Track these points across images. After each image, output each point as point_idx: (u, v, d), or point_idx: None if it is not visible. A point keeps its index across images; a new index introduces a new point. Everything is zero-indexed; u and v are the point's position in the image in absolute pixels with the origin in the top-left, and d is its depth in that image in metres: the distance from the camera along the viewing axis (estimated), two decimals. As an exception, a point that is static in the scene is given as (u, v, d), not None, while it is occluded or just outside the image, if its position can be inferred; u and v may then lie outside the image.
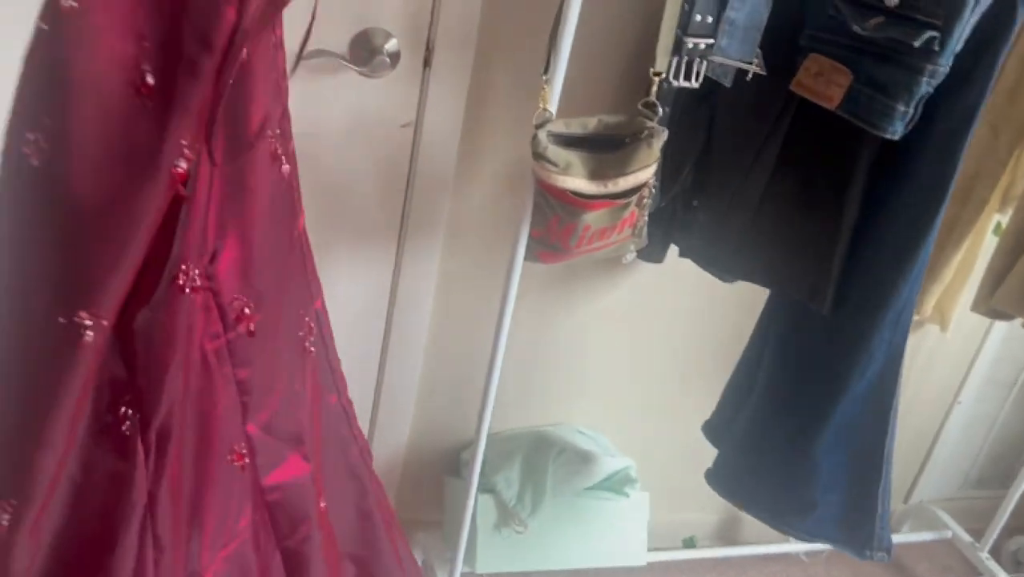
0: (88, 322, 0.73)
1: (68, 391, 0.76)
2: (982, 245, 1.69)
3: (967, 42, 1.13)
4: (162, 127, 0.71)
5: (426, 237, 1.58)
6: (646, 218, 1.32)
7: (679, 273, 1.63)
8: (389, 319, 1.65)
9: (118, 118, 0.69)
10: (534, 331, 1.74)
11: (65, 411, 0.76)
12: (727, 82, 1.28)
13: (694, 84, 1.24)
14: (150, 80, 0.69)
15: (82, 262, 0.73)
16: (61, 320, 0.73)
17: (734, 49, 1.23)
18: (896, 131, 1.19)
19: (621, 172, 1.25)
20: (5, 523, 0.74)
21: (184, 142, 0.74)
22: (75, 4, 0.63)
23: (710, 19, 1.20)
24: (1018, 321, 1.71)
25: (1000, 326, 2.06)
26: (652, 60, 1.25)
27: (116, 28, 0.65)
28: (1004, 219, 1.67)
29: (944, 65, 1.13)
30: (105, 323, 0.75)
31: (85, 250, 0.73)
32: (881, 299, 1.30)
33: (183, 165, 0.76)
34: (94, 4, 0.64)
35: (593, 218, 1.27)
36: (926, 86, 1.15)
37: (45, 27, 0.64)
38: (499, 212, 1.59)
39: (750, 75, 1.26)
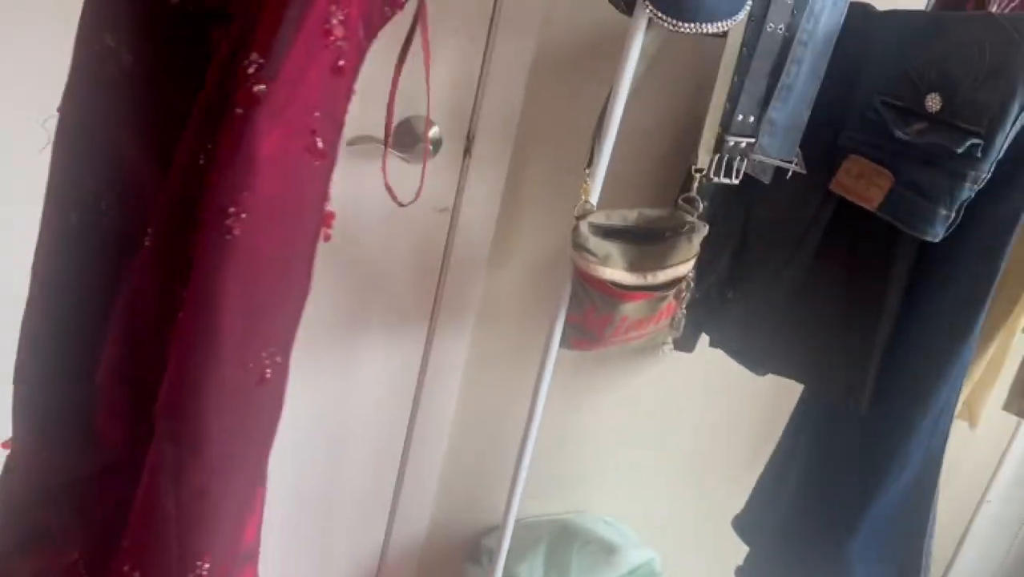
0: (267, 361, 0.79)
1: (267, 427, 0.82)
2: (1012, 341, 1.68)
3: (1011, 148, 1.14)
4: (325, 182, 0.79)
5: (457, 320, 1.58)
6: (683, 310, 1.32)
7: (710, 362, 1.62)
8: (416, 400, 1.64)
9: (296, 181, 0.76)
10: (560, 416, 1.72)
11: (267, 448, 0.82)
12: (766, 179, 1.29)
13: (734, 181, 1.25)
14: (320, 144, 0.76)
15: (268, 311, 0.79)
16: (250, 364, 0.78)
17: (775, 148, 1.25)
18: (937, 234, 1.19)
19: (660, 265, 1.25)
20: (206, 573, 0.80)
21: (329, 189, 0.83)
22: (264, 88, 0.70)
23: (752, 119, 1.22)
24: (1051, 422, 1.68)
25: (1029, 424, 2.03)
26: (692, 154, 1.27)
27: (297, 105, 0.73)
28: (1035, 317, 1.66)
29: (987, 171, 1.14)
30: (279, 360, 0.81)
31: (272, 301, 0.79)
32: (919, 402, 1.28)
33: (328, 207, 0.85)
34: (280, 86, 0.71)
35: (631, 309, 1.27)
36: (968, 191, 1.15)
37: (240, 111, 0.71)
38: (532, 298, 1.60)
39: (789, 173, 1.27)
